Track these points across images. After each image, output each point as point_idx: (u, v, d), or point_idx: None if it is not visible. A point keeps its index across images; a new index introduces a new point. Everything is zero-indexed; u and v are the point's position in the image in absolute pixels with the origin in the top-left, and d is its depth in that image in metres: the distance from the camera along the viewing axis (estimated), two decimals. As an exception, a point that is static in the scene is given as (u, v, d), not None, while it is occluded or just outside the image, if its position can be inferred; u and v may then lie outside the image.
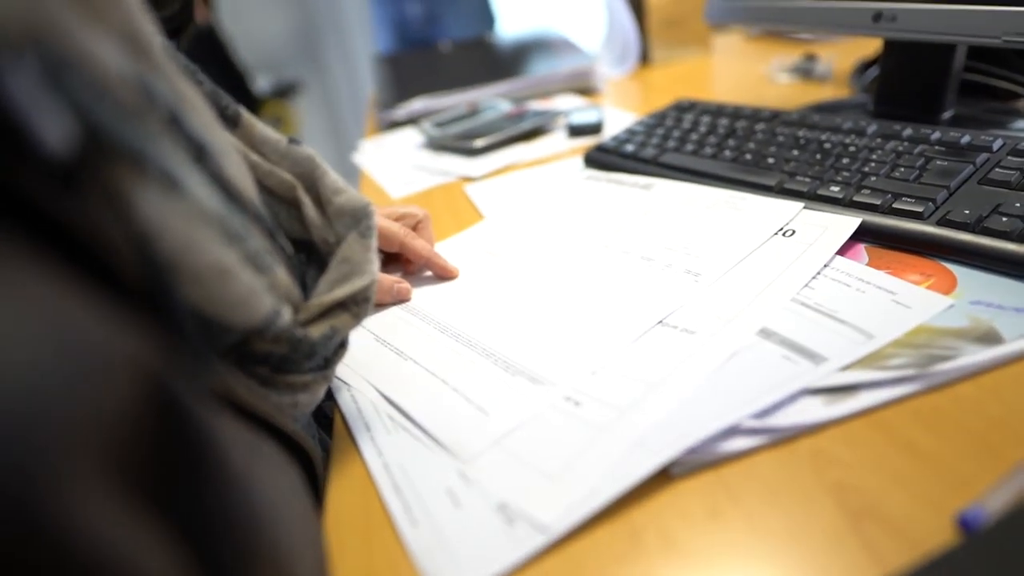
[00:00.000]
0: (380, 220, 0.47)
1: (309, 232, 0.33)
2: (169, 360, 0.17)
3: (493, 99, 0.89)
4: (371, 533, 0.28)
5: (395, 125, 0.92)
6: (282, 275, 0.28)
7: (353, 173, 0.82)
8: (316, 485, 0.30)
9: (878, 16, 0.56)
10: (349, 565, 0.27)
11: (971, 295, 0.37)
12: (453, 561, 0.26)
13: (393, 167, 0.77)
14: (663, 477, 0.28)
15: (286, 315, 0.27)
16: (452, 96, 0.92)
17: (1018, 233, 0.38)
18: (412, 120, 0.91)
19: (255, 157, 0.32)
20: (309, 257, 0.33)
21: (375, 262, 0.32)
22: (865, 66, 0.77)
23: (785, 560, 0.24)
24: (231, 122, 0.32)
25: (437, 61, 1.14)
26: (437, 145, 0.79)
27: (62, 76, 0.17)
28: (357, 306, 0.31)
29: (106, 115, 0.19)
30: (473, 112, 0.85)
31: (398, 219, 0.49)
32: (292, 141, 0.33)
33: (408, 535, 0.27)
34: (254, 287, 0.25)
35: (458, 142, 0.76)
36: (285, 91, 2.42)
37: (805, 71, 0.86)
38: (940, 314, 0.35)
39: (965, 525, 0.24)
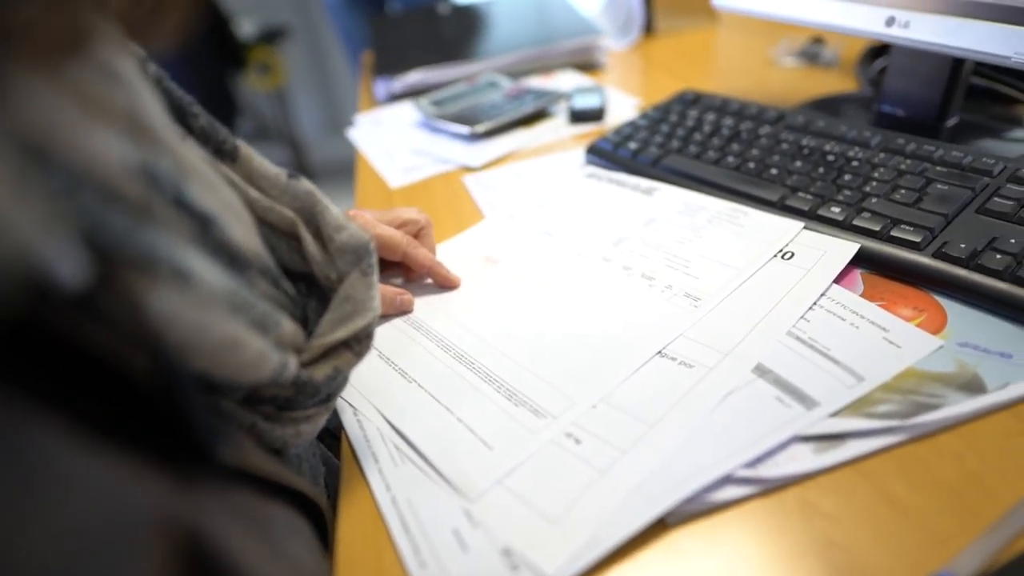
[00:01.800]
0: (383, 229, 0.47)
1: (310, 266, 0.33)
2: (189, 491, 0.17)
3: (492, 75, 0.87)
4: (383, 571, 0.30)
5: (393, 99, 0.90)
6: (287, 326, 0.28)
7: (348, 148, 0.81)
8: (326, 530, 0.32)
9: (891, 21, 0.55)
10: (362, 604, 0.29)
11: (960, 335, 0.38)
12: (461, 608, 0.27)
13: (391, 150, 0.76)
14: (659, 525, 0.30)
15: (292, 365, 0.28)
16: (450, 68, 0.90)
17: (1010, 272, 0.39)
18: (409, 93, 0.89)
19: (254, 193, 0.32)
20: (309, 288, 0.34)
21: (377, 298, 0.33)
22: (872, 55, 0.76)
23: (770, 615, 0.26)
24: (229, 156, 0.32)
25: (435, 25, 1.10)
26: (436, 127, 0.78)
27: (73, 195, 0.17)
28: (359, 343, 0.32)
29: (117, 224, 0.19)
30: (472, 89, 0.84)
31: (400, 226, 0.49)
32: (291, 176, 0.33)
33: (418, 577, 0.29)
34: (262, 349, 0.26)
35: (457, 125, 0.74)
36: (272, 36, 2.33)
37: (811, 56, 0.85)
38: (928, 356, 0.36)
39: (938, 589, 0.26)
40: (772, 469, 0.31)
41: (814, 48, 0.85)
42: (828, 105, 0.69)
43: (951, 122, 0.60)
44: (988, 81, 0.61)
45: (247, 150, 0.32)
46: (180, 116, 0.30)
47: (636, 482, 0.31)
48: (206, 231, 0.24)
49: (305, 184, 0.33)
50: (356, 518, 0.33)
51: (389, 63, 0.94)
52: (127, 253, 0.19)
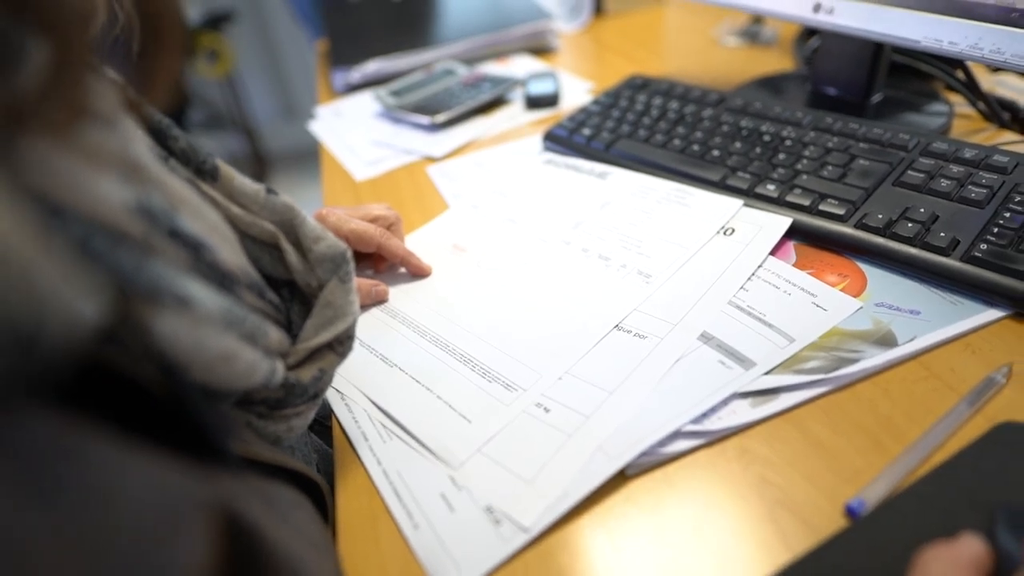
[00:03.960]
0: (356, 223, 0.50)
1: (291, 275, 0.36)
2: (216, 478, 0.21)
3: (448, 62, 0.89)
4: (379, 535, 0.34)
5: (351, 89, 0.92)
6: (274, 334, 0.31)
7: (303, 135, 0.82)
8: (324, 505, 0.35)
9: (818, 7, 0.60)
10: (363, 564, 0.32)
11: (877, 296, 0.43)
12: (453, 560, 0.31)
13: (353, 142, 0.77)
14: (619, 477, 0.34)
15: (280, 370, 0.31)
16: (406, 57, 0.92)
17: (920, 239, 0.44)
18: (367, 83, 0.91)
19: (236, 210, 0.34)
20: (292, 294, 0.36)
21: (355, 303, 0.36)
22: (807, 34, 0.81)
23: (716, 546, 0.31)
24: (210, 176, 0.34)
25: (387, 12, 1.10)
26: (396, 117, 0.80)
27: (89, 242, 0.20)
28: (341, 345, 0.35)
29: (126, 262, 0.21)
30: (429, 78, 0.86)
31: (371, 221, 0.52)
32: (270, 192, 0.35)
33: (411, 538, 0.33)
34: (253, 359, 0.28)
35: (417, 115, 0.77)
36: (217, 21, 2.27)
37: (752, 35, 0.89)
38: (850, 316, 0.41)
39: (851, 512, 0.31)
40: (715, 422, 0.36)
41: (754, 28, 0.89)
42: (769, 85, 0.74)
43: (876, 99, 0.65)
44: (909, 59, 0.67)
45: (227, 169, 0.34)
46: (160, 139, 0.32)
47: (599, 442, 0.35)
48: (198, 256, 0.26)
49: (283, 199, 0.35)
50: (352, 490, 0.36)
51: (345, 53, 0.95)
52: (136, 287, 0.22)
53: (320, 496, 0.35)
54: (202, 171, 0.33)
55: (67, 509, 0.14)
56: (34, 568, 0.13)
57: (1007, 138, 0.59)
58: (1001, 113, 0.60)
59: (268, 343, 0.30)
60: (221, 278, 0.28)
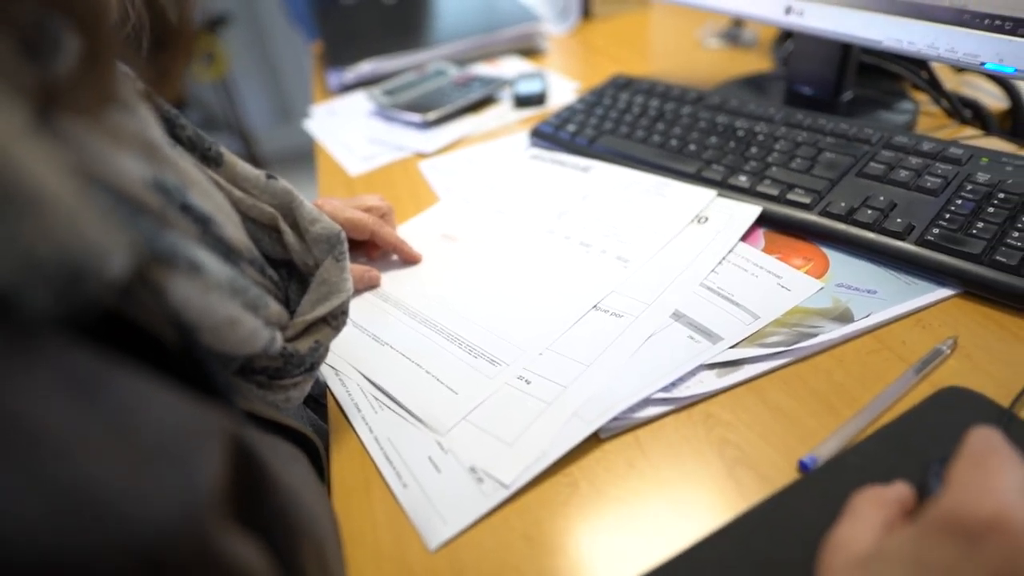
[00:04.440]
0: (351, 212, 0.53)
1: (290, 255, 0.38)
2: (232, 415, 0.23)
3: (440, 63, 0.92)
4: (371, 495, 0.36)
5: (345, 89, 0.94)
6: (274, 306, 0.34)
7: (298, 137, 0.85)
8: (320, 466, 0.37)
9: (789, 10, 0.63)
10: (357, 520, 0.35)
11: (838, 278, 0.46)
12: (438, 514, 0.34)
13: (348, 139, 0.80)
14: (594, 440, 0.37)
15: (279, 340, 0.33)
16: (399, 58, 0.95)
17: (878, 225, 0.47)
18: (361, 83, 0.94)
19: (238, 193, 0.36)
20: (290, 274, 0.39)
21: (349, 280, 0.38)
22: (784, 37, 0.84)
23: (680, 500, 0.34)
24: (214, 162, 0.36)
25: (380, 15, 1.13)
26: (389, 115, 0.83)
27: (115, 209, 0.23)
28: (336, 319, 0.38)
29: (146, 229, 0.24)
30: (421, 78, 0.88)
31: (366, 211, 0.55)
32: (270, 177, 0.38)
33: (401, 496, 0.35)
34: (255, 327, 0.31)
35: (410, 113, 0.79)
36: (213, 24, 2.29)
37: (733, 37, 0.92)
38: (812, 296, 0.44)
39: (803, 467, 0.34)
40: (683, 391, 0.39)
41: (735, 31, 0.92)
42: (748, 84, 0.77)
43: (846, 97, 0.68)
44: (878, 60, 0.70)
45: (230, 155, 0.37)
46: (170, 128, 0.35)
47: (575, 409, 0.38)
48: (207, 230, 0.29)
49: (282, 183, 0.38)
50: (346, 456, 0.39)
51: (340, 54, 0.97)
52: (154, 251, 0.24)
53: (316, 459, 0.37)
54: (207, 157, 0.36)
55: (107, 414, 0.17)
56: (84, 452, 0.15)
57: (967, 133, 0.62)
58: (963, 110, 0.63)
59: (268, 314, 0.33)
60: (227, 251, 0.31)
